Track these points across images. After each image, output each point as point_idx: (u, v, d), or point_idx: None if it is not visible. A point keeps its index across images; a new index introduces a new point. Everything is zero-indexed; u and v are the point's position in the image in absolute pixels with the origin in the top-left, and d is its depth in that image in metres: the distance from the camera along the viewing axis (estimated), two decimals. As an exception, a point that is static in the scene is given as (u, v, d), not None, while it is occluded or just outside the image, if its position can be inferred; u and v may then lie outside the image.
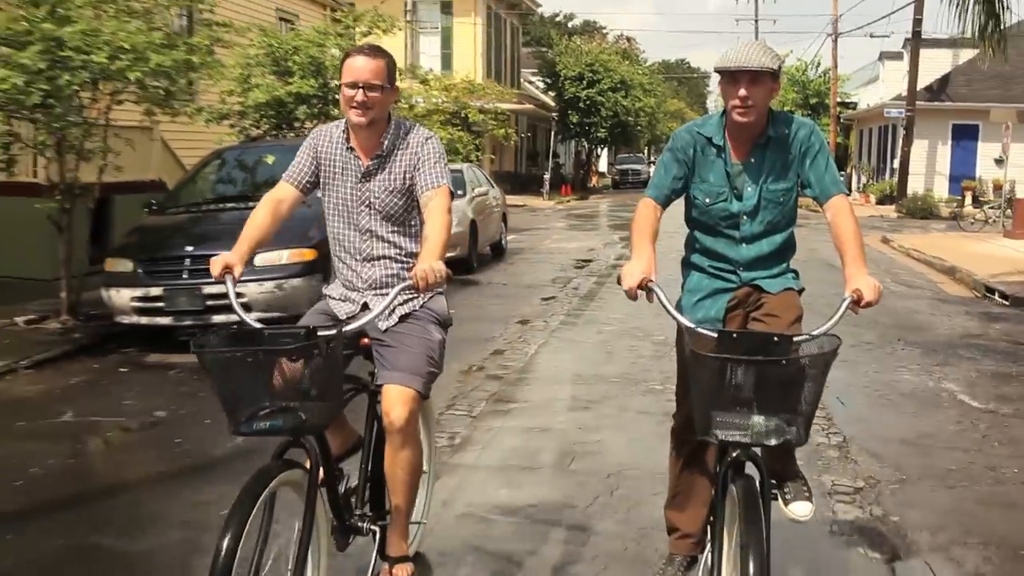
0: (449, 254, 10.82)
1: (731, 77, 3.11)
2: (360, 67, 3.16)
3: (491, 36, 33.30)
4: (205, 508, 4.33)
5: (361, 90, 3.15)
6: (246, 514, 2.57)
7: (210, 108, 9.90)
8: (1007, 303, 11.26)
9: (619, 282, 2.95)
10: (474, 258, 13.11)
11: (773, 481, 3.30)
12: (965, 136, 29.93)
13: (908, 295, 11.77)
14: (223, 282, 3.05)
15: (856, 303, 2.85)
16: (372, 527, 3.29)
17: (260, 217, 3.24)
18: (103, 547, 4.05)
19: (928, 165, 30.32)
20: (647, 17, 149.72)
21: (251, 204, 7.24)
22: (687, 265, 3.45)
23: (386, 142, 3.27)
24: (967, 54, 30.56)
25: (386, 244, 3.32)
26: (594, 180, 44.39)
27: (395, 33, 12.90)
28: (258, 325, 2.84)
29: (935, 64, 31.27)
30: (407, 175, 3.27)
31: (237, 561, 2.50)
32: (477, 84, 23.66)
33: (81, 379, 7.05)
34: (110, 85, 7.88)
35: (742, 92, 3.08)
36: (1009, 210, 20.69)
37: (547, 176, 33.32)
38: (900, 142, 29.24)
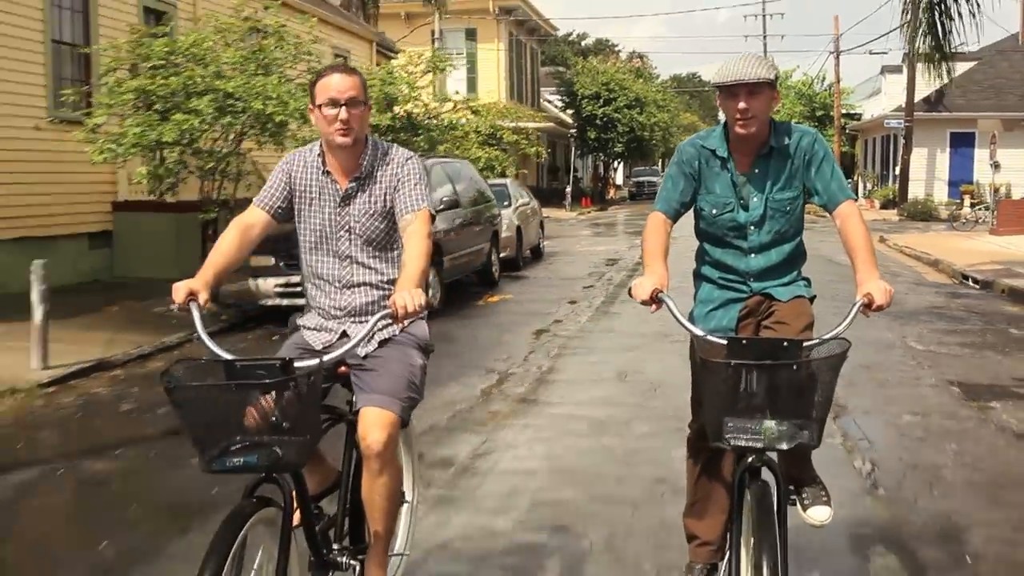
0: (503, 254, 13.15)
1: (729, 91, 3.16)
2: (339, 84, 3.08)
3: (512, 60, 35.84)
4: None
5: (344, 108, 3.06)
6: (222, 558, 2.50)
7: (309, 137, 12.38)
8: (976, 286, 13.56)
9: (630, 294, 3.06)
10: (520, 258, 15.53)
11: (791, 487, 3.33)
12: (962, 144, 32.17)
13: (891, 281, 13.93)
14: (187, 310, 2.91)
15: (867, 306, 2.93)
16: (351, 561, 3.18)
17: (227, 243, 3.13)
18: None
19: (928, 171, 32.59)
20: (658, 31, 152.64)
21: None
22: (698, 277, 3.50)
23: (364, 163, 3.18)
24: (963, 67, 32.97)
25: (367, 270, 3.22)
26: (611, 192, 46.84)
27: (451, 70, 15.38)
28: (229, 356, 2.70)
29: (932, 76, 33.56)
30: (387, 197, 3.18)
31: None
32: (508, 107, 26.09)
33: (244, 344, 9.44)
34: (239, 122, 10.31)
35: (741, 105, 3.14)
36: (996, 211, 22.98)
37: (569, 189, 35.76)
38: (901, 150, 31.59)
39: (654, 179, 50.36)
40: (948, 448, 5.59)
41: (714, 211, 3.33)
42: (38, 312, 7.74)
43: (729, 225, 3.33)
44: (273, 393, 2.59)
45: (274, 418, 2.60)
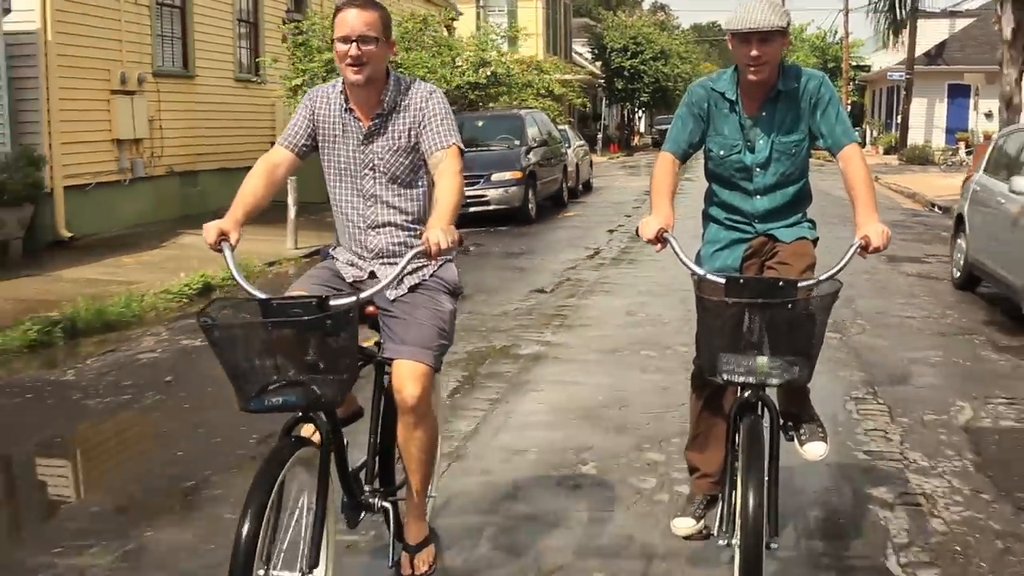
0: (551, 190, 17.46)
1: (742, 37, 3.24)
2: (352, 20, 3.05)
3: (549, 15, 39.73)
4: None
5: (355, 44, 3.04)
6: (264, 497, 2.55)
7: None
8: (938, 211, 17.84)
9: (637, 233, 3.23)
10: (578, 189, 19.89)
11: (789, 423, 3.52)
12: (959, 94, 36.09)
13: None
14: (220, 250, 2.94)
15: (864, 248, 3.05)
16: (383, 503, 3.23)
17: (254, 183, 3.15)
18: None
19: (927, 120, 36.59)
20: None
21: (473, 151, 14.10)
22: (706, 217, 3.65)
23: (386, 100, 3.16)
24: (962, 23, 36.92)
25: (392, 210, 3.24)
26: (636, 139, 50.88)
27: (524, 39, 19.63)
28: (263, 295, 2.71)
29: (936, 32, 37.47)
30: (412, 132, 3.17)
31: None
32: (555, 62, 30.21)
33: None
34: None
35: (754, 52, 3.23)
36: (978, 154, 27.13)
37: (600, 136, 39.94)
38: (903, 101, 35.62)
39: (676, 126, 54.47)
40: (863, 280, 9.93)
41: (721, 152, 3.44)
42: (292, 211, 12.18)
43: (736, 166, 3.44)
44: (312, 332, 2.61)
45: (310, 356, 2.63)
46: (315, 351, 2.66)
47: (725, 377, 2.91)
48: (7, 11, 11.18)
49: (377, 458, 3.29)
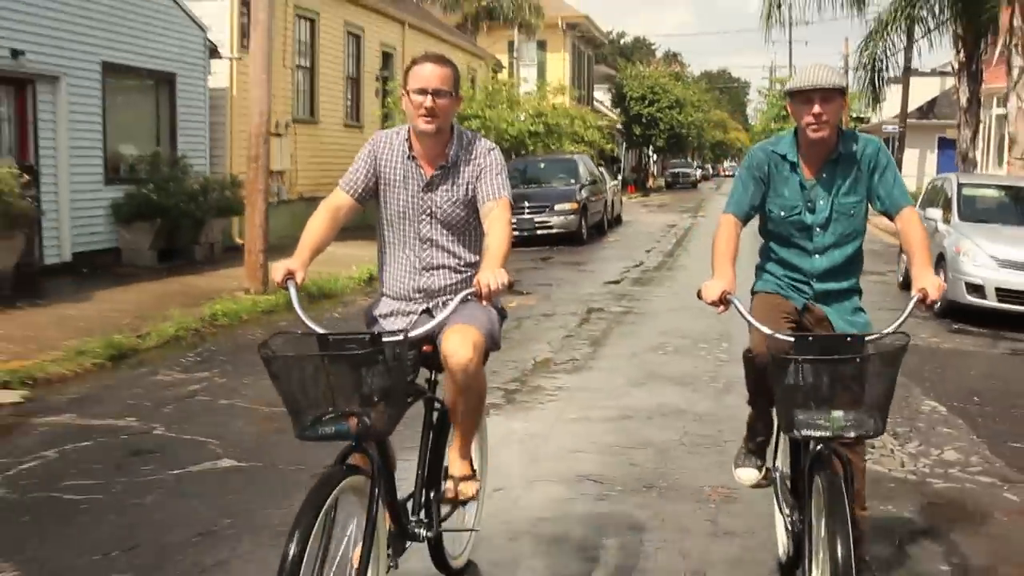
0: (595, 219, 21.79)
1: (804, 97, 3.47)
2: (429, 74, 3.29)
3: (574, 65, 44.29)
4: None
5: (430, 96, 3.27)
6: (312, 520, 2.67)
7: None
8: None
9: (699, 296, 3.34)
10: (612, 222, 24.15)
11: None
12: (948, 146, 40.50)
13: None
14: (286, 288, 3.18)
15: (922, 300, 3.23)
16: (427, 534, 3.41)
17: (318, 225, 3.39)
18: (574, 273, 15.09)
19: (919, 168, 40.96)
20: (688, 26, 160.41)
21: (537, 186, 18.69)
22: (760, 271, 3.86)
23: (451, 152, 3.40)
24: (951, 81, 41.50)
25: (446, 253, 3.47)
26: (651, 181, 55.31)
27: (570, 93, 24.02)
28: (321, 330, 2.90)
29: (927, 89, 42.05)
30: (470, 186, 3.41)
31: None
32: (584, 110, 34.63)
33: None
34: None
35: (816, 109, 3.44)
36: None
37: (620, 177, 44.36)
38: (896, 151, 40.08)
39: (688, 170, 58.80)
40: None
41: (782, 213, 3.65)
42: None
43: (796, 226, 3.65)
44: (363, 365, 2.79)
45: (363, 389, 2.82)
46: (367, 384, 2.81)
47: (803, 432, 3.00)
48: (210, 74, 15.54)
49: (424, 490, 3.46)
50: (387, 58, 22.60)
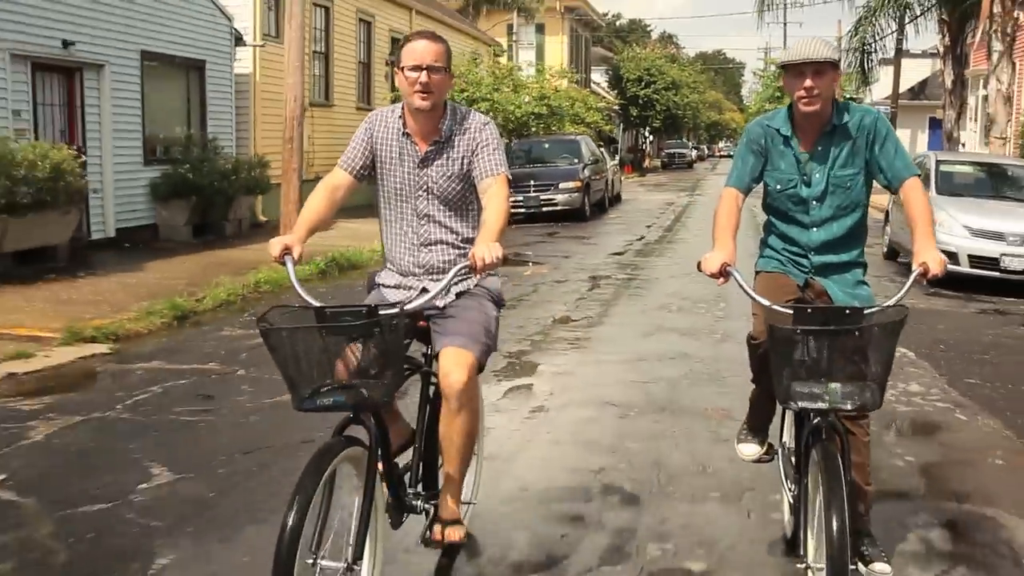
0: (597, 197, 23.12)
1: (796, 70, 3.48)
2: (422, 50, 3.35)
3: (572, 48, 45.20)
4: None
5: (424, 72, 3.32)
6: (311, 491, 2.75)
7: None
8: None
9: (699, 268, 3.39)
10: (613, 200, 25.21)
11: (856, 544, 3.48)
12: (938, 126, 41.49)
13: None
14: (283, 263, 3.23)
15: (923, 275, 3.21)
16: (425, 506, 3.50)
17: (316, 203, 3.45)
18: (580, 247, 16.17)
19: (911, 147, 41.97)
20: (682, 7, 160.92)
21: (543, 165, 19.85)
22: (764, 245, 3.91)
23: (444, 128, 3.44)
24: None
25: (443, 229, 3.52)
26: (647, 162, 56.33)
27: (572, 77, 25.05)
28: (317, 304, 2.96)
29: (919, 70, 43.13)
30: (465, 160, 3.46)
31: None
32: (584, 93, 35.64)
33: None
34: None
35: (808, 83, 3.44)
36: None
37: (618, 157, 45.37)
38: (888, 130, 41.12)
39: (683, 151, 59.83)
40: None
41: (779, 186, 3.68)
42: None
43: (793, 200, 3.66)
44: (362, 338, 2.88)
45: (360, 361, 2.91)
46: (364, 356, 2.91)
47: (799, 404, 3.03)
48: (236, 60, 16.53)
49: (421, 463, 3.53)
50: (396, 43, 23.55)
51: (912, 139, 42.36)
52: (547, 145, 21.36)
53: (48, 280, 10.61)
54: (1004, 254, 11.42)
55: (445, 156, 3.48)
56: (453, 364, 3.29)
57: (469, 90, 19.95)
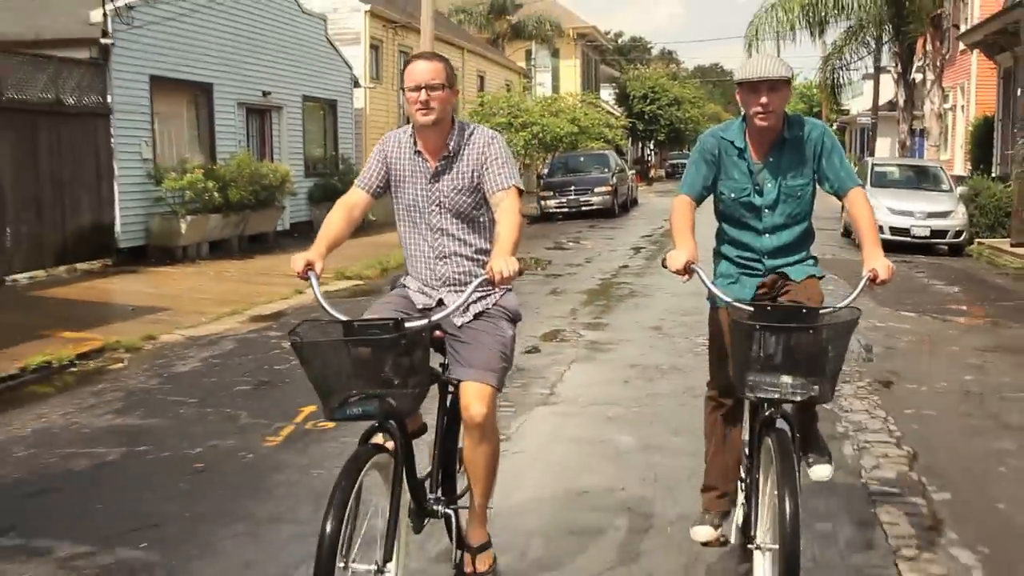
0: (622, 200, 29.41)
1: (752, 87, 3.70)
2: (421, 71, 3.57)
3: (584, 70, 51.36)
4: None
5: (424, 90, 3.54)
6: (345, 497, 2.97)
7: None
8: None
9: (664, 264, 3.62)
10: (630, 203, 31.31)
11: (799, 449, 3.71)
12: (915, 135, 47.72)
13: (815, 215, 29.93)
14: (306, 278, 3.42)
15: (872, 281, 3.46)
16: (446, 511, 3.69)
17: (335, 221, 3.70)
18: (617, 233, 22.20)
19: (891, 154, 48.10)
20: (678, 18, 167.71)
21: (580, 174, 26.10)
22: (717, 255, 4.11)
23: (451, 143, 3.66)
24: (919, 78, 48.80)
25: (457, 241, 3.73)
26: (653, 172, 62.55)
27: (595, 102, 31.20)
28: (344, 318, 3.16)
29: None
30: (475, 173, 3.67)
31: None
32: (605, 113, 41.74)
33: (548, 224, 25.00)
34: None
35: (763, 100, 3.67)
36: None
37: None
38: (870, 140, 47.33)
39: (685, 161, 65.84)
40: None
41: (732, 195, 3.90)
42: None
43: (746, 207, 3.89)
44: (386, 349, 3.05)
45: (386, 372, 3.08)
46: (391, 367, 3.09)
47: (752, 394, 3.31)
48: (354, 100, 22.64)
49: (440, 469, 3.74)
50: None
51: (892, 146, 48.37)
52: (582, 158, 27.46)
53: (275, 252, 16.54)
54: (913, 225, 17.48)
55: (455, 170, 3.69)
56: (473, 398, 3.52)
57: (522, 116, 25.96)
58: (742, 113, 3.90)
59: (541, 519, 4.75)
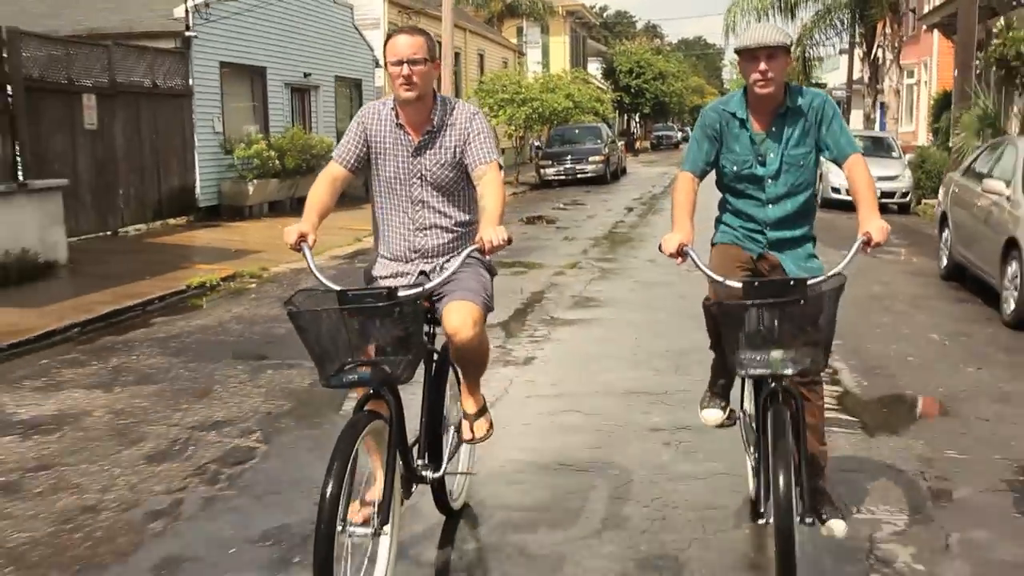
0: (612, 168, 32.62)
1: (750, 55, 3.77)
2: (402, 45, 3.65)
3: (572, 46, 54.26)
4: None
5: (406, 65, 3.62)
6: (344, 462, 3.06)
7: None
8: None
9: (660, 249, 3.68)
10: (620, 171, 34.46)
11: (812, 505, 3.56)
12: (880, 108, 51.01)
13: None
14: (300, 250, 3.49)
15: (867, 243, 3.51)
16: (433, 476, 3.85)
17: (321, 192, 3.79)
18: (610, 197, 25.41)
19: (864, 126, 51.29)
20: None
21: (575, 144, 29.46)
22: (719, 222, 4.19)
23: (435, 118, 3.75)
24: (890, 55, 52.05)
25: (437, 214, 3.83)
26: (639, 143, 65.68)
27: (587, 78, 34.26)
28: (337, 288, 3.22)
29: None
30: (457, 148, 3.77)
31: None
32: (596, 88, 44.70)
33: (547, 190, 28.09)
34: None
35: (762, 67, 3.74)
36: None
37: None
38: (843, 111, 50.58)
39: (670, 133, 69.22)
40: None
41: (735, 168, 3.96)
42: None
43: (749, 179, 3.94)
44: (381, 317, 3.13)
45: (381, 340, 3.17)
46: (385, 335, 3.17)
47: (748, 371, 3.34)
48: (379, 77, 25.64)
49: (427, 436, 3.84)
50: (456, 56, 32.64)
51: (865, 119, 51.69)
52: (577, 131, 30.51)
53: (322, 213, 19.58)
54: (866, 187, 20.63)
55: (438, 145, 3.79)
56: (460, 321, 3.63)
57: (523, 92, 28.96)
58: (743, 85, 4.05)
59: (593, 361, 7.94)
